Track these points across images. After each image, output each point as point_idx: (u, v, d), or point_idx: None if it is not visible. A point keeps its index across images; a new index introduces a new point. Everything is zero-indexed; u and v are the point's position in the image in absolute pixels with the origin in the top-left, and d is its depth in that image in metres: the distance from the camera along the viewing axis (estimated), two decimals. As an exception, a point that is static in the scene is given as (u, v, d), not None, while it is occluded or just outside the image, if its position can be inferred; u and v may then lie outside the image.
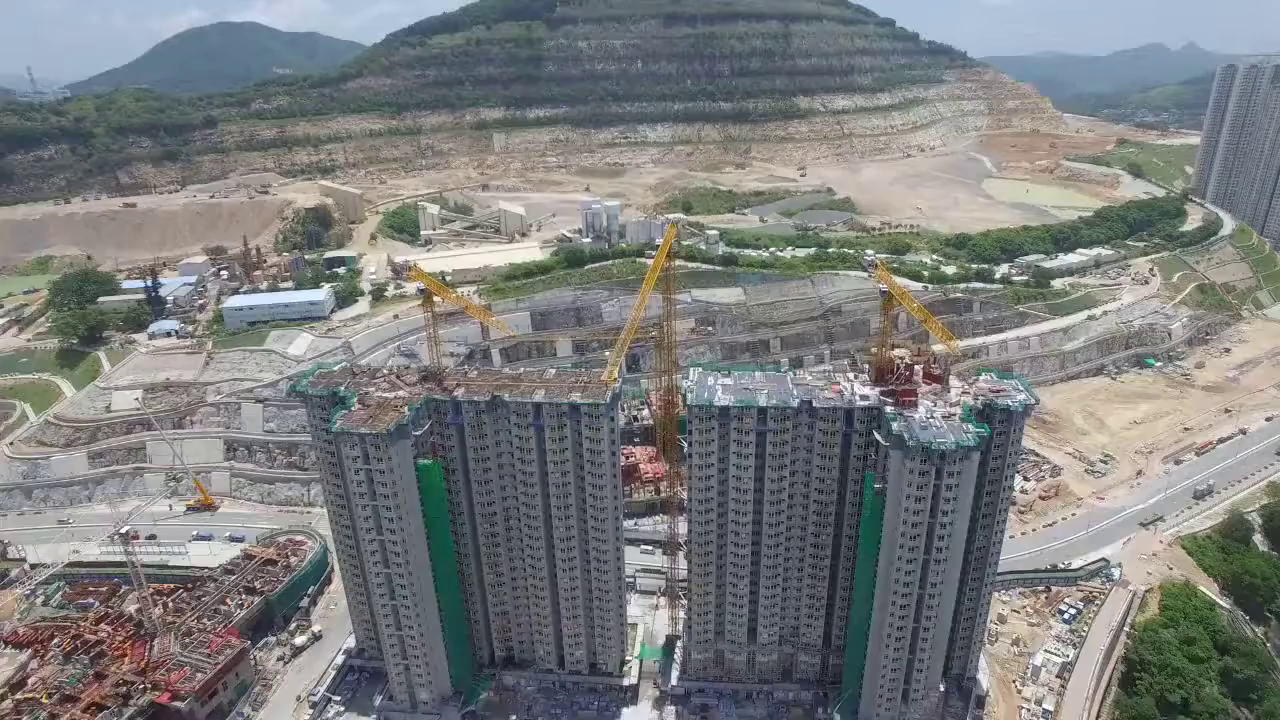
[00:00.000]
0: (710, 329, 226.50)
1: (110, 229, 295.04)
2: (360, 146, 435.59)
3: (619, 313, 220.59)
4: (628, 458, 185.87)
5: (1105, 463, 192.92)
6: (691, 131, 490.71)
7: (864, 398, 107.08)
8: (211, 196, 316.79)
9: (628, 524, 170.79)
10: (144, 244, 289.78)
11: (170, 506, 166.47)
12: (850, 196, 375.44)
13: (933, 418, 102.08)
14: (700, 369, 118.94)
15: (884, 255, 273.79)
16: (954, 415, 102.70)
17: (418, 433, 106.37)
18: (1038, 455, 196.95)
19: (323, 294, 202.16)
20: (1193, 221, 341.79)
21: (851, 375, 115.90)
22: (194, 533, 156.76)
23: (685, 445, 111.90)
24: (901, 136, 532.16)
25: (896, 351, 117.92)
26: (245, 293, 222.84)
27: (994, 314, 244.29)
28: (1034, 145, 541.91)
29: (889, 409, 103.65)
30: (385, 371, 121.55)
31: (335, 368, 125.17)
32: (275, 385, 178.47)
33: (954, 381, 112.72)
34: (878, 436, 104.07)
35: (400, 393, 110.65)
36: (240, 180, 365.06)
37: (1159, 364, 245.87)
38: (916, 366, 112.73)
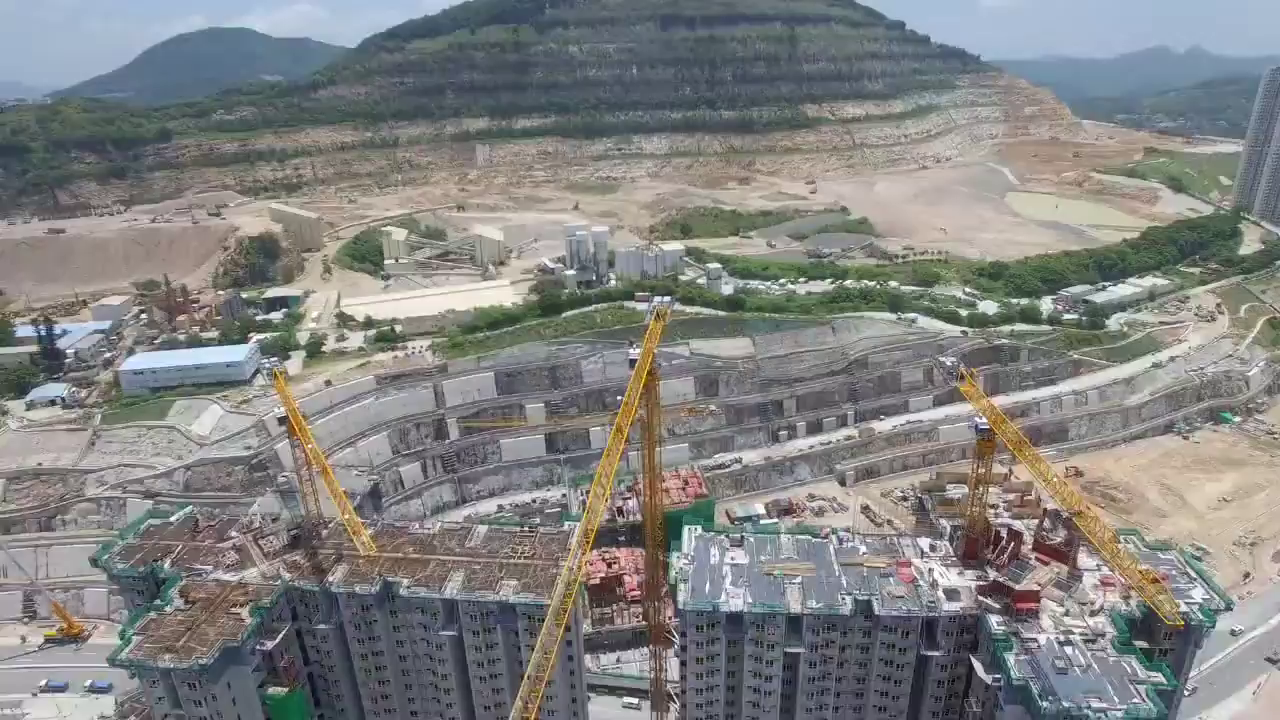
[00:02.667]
0: (710, 403, 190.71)
1: (30, 259, 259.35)
2: (330, 161, 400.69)
3: (602, 371, 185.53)
4: (609, 565, 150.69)
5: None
6: (691, 142, 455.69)
7: (951, 595, 71.94)
8: (153, 220, 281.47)
9: (609, 659, 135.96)
10: (68, 277, 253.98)
11: (23, 638, 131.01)
12: (867, 217, 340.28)
13: (1068, 641, 66.84)
14: (698, 531, 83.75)
15: (910, 287, 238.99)
16: (1102, 637, 67.39)
17: (267, 647, 71.02)
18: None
19: (244, 352, 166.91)
20: (1250, 243, 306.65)
21: (929, 547, 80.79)
22: (43, 681, 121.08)
23: (675, 640, 78.16)
24: (915, 146, 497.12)
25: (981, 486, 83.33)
26: (164, 345, 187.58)
27: (1044, 363, 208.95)
28: (1056, 155, 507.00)
29: (996, 622, 68.45)
30: (236, 535, 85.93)
31: (174, 517, 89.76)
32: (171, 475, 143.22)
33: (1082, 556, 77.67)
34: (980, 672, 68.74)
35: (252, 572, 75.52)
36: (194, 200, 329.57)
37: (1237, 419, 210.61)
38: (1024, 533, 77.78)
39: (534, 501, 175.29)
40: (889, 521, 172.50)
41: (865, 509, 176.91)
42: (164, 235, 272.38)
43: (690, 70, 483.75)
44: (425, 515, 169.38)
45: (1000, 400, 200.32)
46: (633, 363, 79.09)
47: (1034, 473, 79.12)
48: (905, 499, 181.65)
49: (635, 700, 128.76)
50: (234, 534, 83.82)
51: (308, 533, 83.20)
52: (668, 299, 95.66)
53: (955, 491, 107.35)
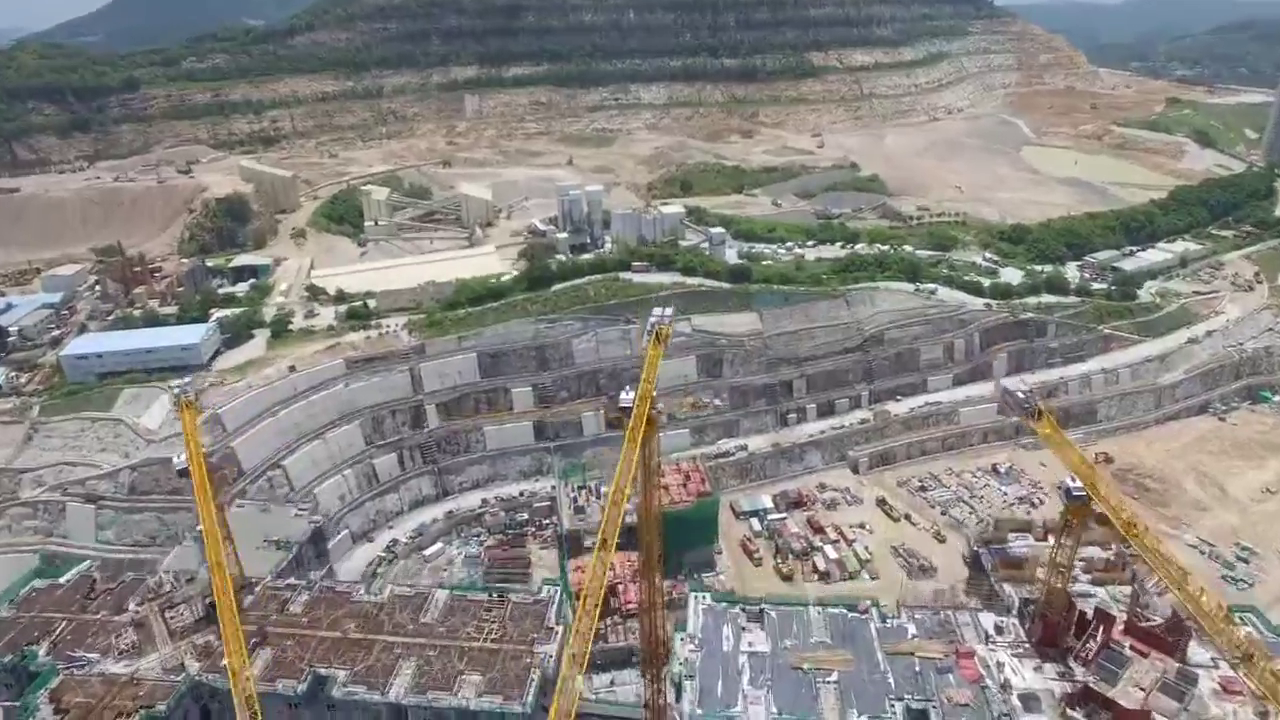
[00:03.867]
0: (714, 391, 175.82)
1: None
2: (310, 112, 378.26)
3: (595, 351, 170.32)
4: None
5: (1245, 561, 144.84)
6: (691, 92, 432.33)
7: (1029, 703, 57.68)
8: (115, 179, 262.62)
9: (601, 681, 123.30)
10: (21, 241, 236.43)
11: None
12: (878, 174, 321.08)
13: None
14: (705, 601, 69.26)
15: (927, 252, 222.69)
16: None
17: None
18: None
19: (200, 333, 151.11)
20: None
21: (994, 628, 66.10)
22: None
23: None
24: (926, 96, 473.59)
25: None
26: (118, 322, 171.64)
27: (1072, 338, 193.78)
28: (1073, 106, 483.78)
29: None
30: (137, 606, 71.30)
31: (66, 576, 75.49)
32: (116, 476, 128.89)
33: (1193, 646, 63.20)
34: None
35: (150, 660, 61.45)
36: (164, 155, 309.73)
37: (1278, 398, 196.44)
38: (1116, 615, 63.22)
39: (521, 494, 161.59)
40: (906, 516, 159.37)
41: (881, 502, 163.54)
42: (126, 195, 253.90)
43: (691, 15, 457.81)
44: (403, 510, 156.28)
45: (1025, 379, 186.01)
46: (625, 412, 64.03)
47: (1168, 580, 60.77)
48: (924, 489, 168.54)
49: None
50: (134, 605, 69.48)
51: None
52: (668, 313, 79.74)
53: (1019, 543, 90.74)
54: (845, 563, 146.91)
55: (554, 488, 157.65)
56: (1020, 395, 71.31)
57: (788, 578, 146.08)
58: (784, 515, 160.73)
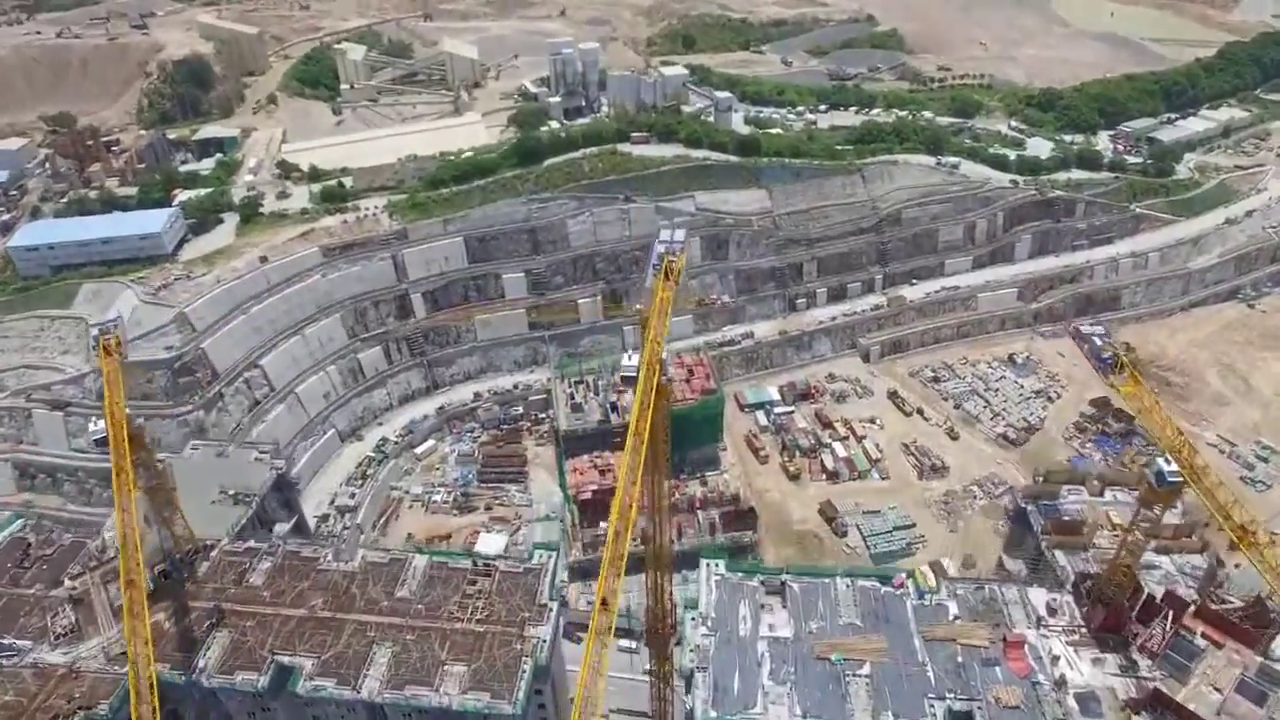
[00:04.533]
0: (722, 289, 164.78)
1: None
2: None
3: (592, 233, 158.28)
4: (602, 473, 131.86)
5: (1265, 460, 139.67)
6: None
7: (1088, 706, 50.73)
8: (59, 34, 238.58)
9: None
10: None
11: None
12: (896, 29, 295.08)
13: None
14: (718, 569, 61.32)
15: (948, 119, 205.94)
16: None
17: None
18: (1153, 442, 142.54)
19: (163, 220, 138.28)
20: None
21: (1046, 608, 57.87)
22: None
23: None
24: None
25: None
26: (72, 206, 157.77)
27: (1101, 219, 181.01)
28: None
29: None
30: (77, 573, 63.49)
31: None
32: (82, 381, 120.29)
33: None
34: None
35: (91, 646, 54.25)
36: (113, 7, 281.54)
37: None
38: (1187, 599, 55.33)
39: (516, 387, 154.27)
40: (919, 411, 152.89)
41: (893, 395, 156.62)
42: (74, 54, 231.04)
43: None
44: (392, 406, 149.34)
45: (1049, 263, 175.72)
46: (627, 379, 54.02)
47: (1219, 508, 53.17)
48: (936, 380, 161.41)
49: (632, 643, 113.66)
50: (74, 572, 61.02)
51: (179, 569, 61.85)
52: (679, 238, 67.47)
53: (1072, 499, 79.51)
54: (854, 461, 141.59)
55: (550, 380, 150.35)
56: (1097, 342, 61.31)
57: (794, 477, 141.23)
58: (791, 408, 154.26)
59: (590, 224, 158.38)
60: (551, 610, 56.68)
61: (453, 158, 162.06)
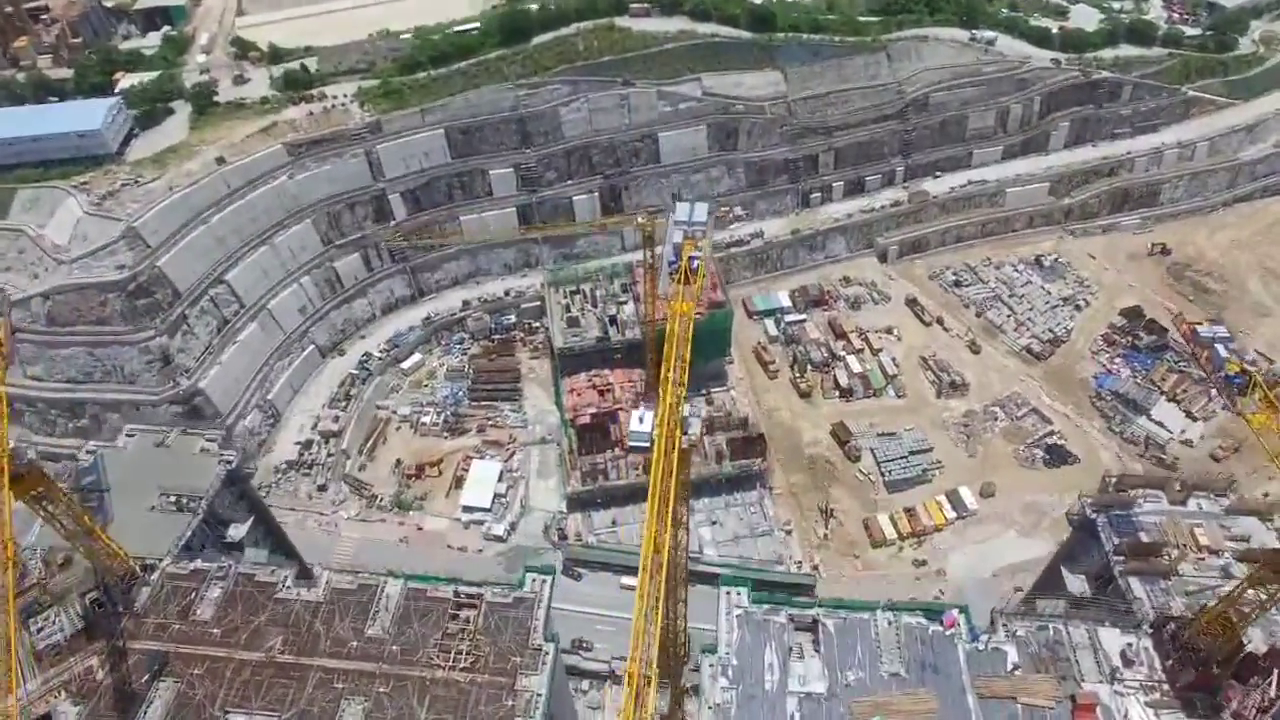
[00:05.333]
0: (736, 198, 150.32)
1: None
2: None
3: (587, 121, 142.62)
4: (602, 394, 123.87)
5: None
6: None
7: None
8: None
9: (602, 520, 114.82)
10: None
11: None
12: None
13: None
14: (739, 600, 53.18)
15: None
16: None
17: None
18: (1185, 356, 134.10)
19: (103, 113, 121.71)
20: None
21: (1120, 656, 49.61)
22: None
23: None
24: None
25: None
26: None
27: (1149, 103, 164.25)
28: None
29: None
30: None
31: None
32: (28, 304, 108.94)
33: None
34: None
35: (5, 705, 45.95)
36: None
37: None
38: None
39: (507, 294, 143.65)
40: (939, 320, 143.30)
41: (911, 303, 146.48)
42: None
43: None
44: (374, 316, 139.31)
45: (1086, 154, 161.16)
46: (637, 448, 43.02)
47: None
48: (958, 283, 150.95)
49: (634, 581, 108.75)
50: None
51: (113, 600, 53.14)
52: (700, 218, 55.13)
53: (1149, 508, 66.02)
54: (869, 377, 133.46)
55: (543, 285, 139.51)
56: (1221, 353, 49.92)
57: (806, 394, 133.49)
58: (803, 316, 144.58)
59: (585, 112, 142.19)
60: (548, 655, 49.73)
61: (430, 35, 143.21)
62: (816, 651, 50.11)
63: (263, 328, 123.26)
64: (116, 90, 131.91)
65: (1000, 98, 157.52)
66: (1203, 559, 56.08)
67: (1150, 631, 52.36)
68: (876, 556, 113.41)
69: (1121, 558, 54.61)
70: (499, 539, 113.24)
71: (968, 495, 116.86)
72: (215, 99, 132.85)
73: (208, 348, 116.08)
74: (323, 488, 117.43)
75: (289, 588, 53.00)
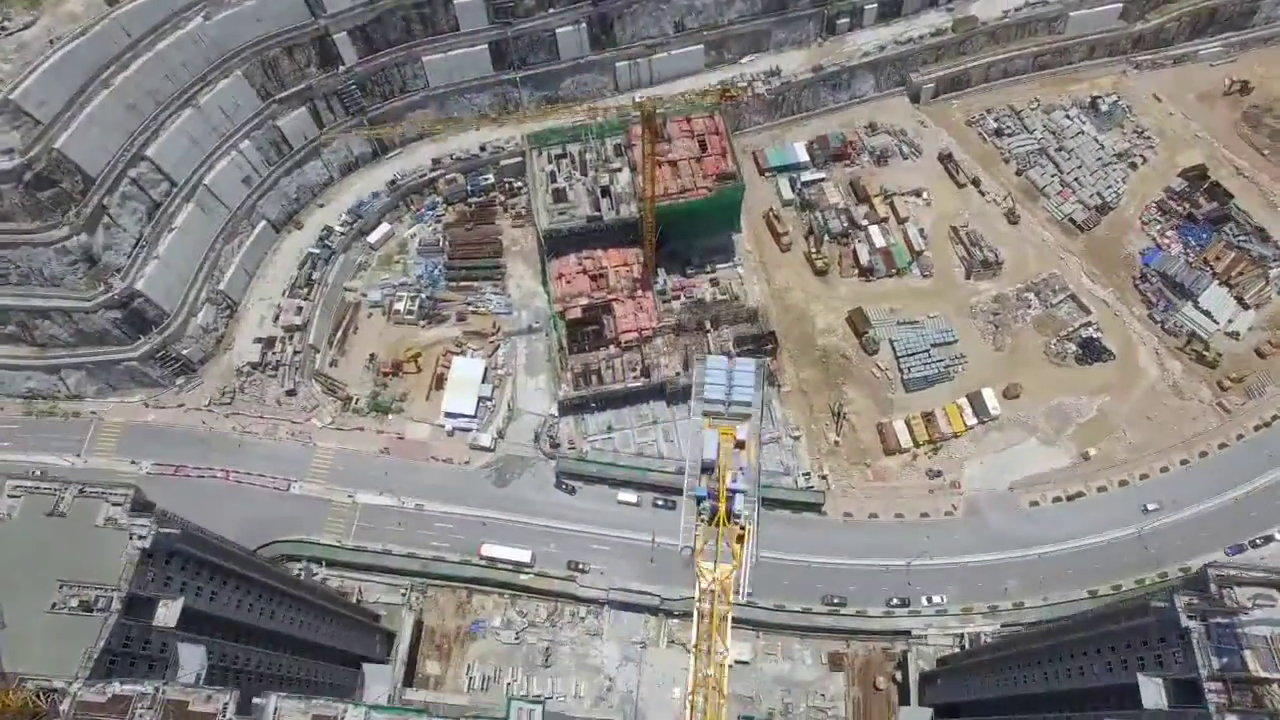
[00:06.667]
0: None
1: None
2: None
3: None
4: (594, 279, 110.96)
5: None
6: None
7: None
8: None
9: (596, 425, 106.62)
10: None
11: None
12: None
13: None
14: None
15: None
16: None
17: None
18: (1248, 230, 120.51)
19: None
20: None
21: None
22: None
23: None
24: None
25: None
26: None
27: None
28: None
29: None
30: None
31: None
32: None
33: None
34: None
35: None
36: None
37: None
38: None
39: (483, 148, 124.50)
40: (974, 182, 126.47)
41: (946, 158, 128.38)
42: None
43: None
44: (332, 180, 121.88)
45: None
46: None
47: None
48: (999, 132, 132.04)
49: (633, 497, 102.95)
50: None
51: None
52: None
53: (1259, 616, 47.61)
54: (893, 254, 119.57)
55: (524, 140, 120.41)
56: None
57: (822, 272, 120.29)
58: (822, 175, 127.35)
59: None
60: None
61: None
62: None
63: (202, 208, 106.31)
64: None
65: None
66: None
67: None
68: (889, 465, 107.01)
69: (1218, 688, 45.93)
70: (486, 449, 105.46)
71: (990, 398, 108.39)
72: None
73: (139, 240, 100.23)
74: (291, 392, 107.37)
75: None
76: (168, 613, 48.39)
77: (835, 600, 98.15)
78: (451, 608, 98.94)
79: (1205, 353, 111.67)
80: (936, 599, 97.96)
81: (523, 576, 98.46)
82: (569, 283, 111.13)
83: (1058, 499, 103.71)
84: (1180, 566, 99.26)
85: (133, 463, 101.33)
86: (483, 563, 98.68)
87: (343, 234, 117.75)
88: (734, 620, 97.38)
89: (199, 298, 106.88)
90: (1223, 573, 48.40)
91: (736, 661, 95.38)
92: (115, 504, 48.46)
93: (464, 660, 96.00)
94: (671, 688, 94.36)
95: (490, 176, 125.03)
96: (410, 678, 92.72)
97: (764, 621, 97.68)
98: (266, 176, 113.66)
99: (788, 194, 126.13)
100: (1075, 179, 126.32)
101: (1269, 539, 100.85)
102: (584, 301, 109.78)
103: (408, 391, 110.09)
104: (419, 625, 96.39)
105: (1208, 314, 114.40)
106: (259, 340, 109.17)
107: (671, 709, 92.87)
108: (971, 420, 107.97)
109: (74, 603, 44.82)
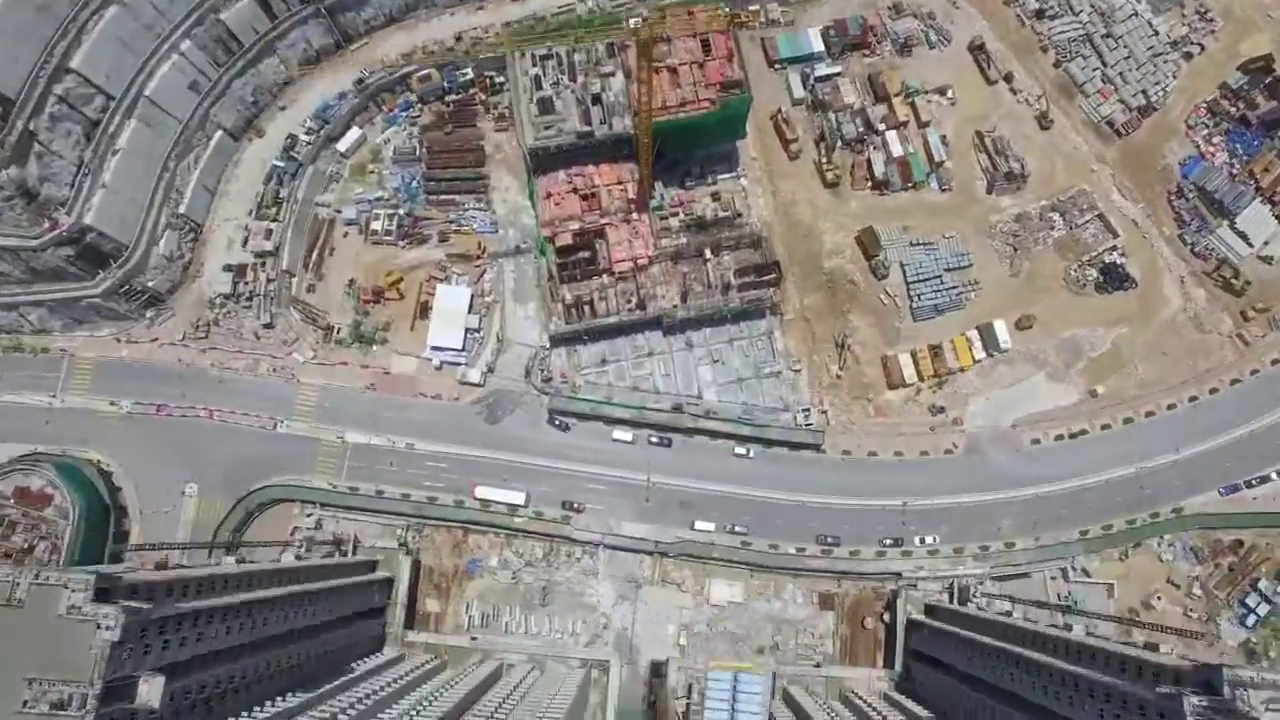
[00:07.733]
0: None
1: None
2: None
3: None
4: (585, 199, 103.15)
5: None
6: None
7: None
8: None
9: (589, 358, 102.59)
10: None
11: None
12: None
13: None
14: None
15: None
16: None
17: None
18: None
19: None
20: None
21: None
22: None
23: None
24: None
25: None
26: None
27: None
28: None
29: None
30: None
31: None
32: None
33: None
34: None
35: None
36: None
37: None
38: None
39: (459, 38, 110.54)
40: (1006, 78, 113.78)
41: (977, 48, 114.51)
42: None
43: None
44: (293, 79, 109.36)
45: None
46: None
47: None
48: (1041, 13, 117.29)
49: (628, 435, 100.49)
50: None
51: None
52: None
53: (1268, 697, 46.51)
54: (911, 164, 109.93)
55: (505, 34, 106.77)
56: None
57: (833, 184, 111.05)
58: (837, 69, 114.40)
59: None
60: None
61: None
62: None
63: (147, 123, 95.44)
64: None
65: None
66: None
67: None
68: (891, 400, 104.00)
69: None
70: (476, 385, 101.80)
71: (1002, 330, 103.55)
72: None
73: (81, 167, 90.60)
74: (269, 325, 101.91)
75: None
76: (150, 690, 46.87)
77: (829, 540, 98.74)
78: (448, 547, 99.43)
79: (1234, 280, 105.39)
80: (929, 539, 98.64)
81: (516, 519, 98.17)
82: (558, 204, 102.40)
83: (1060, 437, 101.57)
84: (1173, 507, 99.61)
85: (112, 403, 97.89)
86: (477, 505, 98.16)
87: (309, 143, 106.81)
88: (728, 561, 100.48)
89: (159, 224, 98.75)
90: (1236, 672, 46.65)
91: (729, 603, 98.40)
92: (76, 589, 45.02)
93: (463, 598, 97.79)
94: (666, 625, 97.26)
95: (469, 72, 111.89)
96: (411, 619, 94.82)
97: (757, 563, 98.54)
98: (216, 80, 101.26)
99: (799, 91, 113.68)
100: (1120, 73, 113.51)
101: (1265, 479, 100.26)
102: (575, 226, 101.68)
103: (391, 320, 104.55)
104: (416, 565, 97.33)
105: (1243, 236, 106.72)
106: (229, 268, 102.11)
107: (666, 645, 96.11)
108: (980, 354, 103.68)
109: (45, 706, 43.11)
